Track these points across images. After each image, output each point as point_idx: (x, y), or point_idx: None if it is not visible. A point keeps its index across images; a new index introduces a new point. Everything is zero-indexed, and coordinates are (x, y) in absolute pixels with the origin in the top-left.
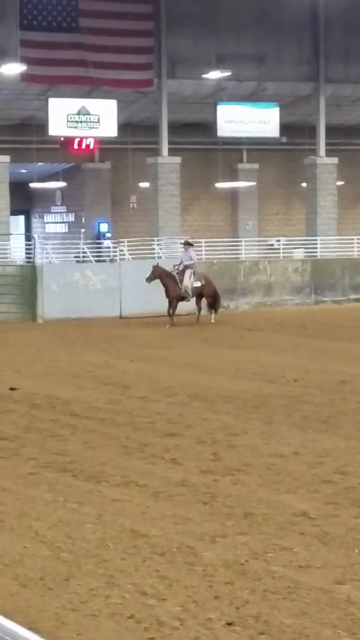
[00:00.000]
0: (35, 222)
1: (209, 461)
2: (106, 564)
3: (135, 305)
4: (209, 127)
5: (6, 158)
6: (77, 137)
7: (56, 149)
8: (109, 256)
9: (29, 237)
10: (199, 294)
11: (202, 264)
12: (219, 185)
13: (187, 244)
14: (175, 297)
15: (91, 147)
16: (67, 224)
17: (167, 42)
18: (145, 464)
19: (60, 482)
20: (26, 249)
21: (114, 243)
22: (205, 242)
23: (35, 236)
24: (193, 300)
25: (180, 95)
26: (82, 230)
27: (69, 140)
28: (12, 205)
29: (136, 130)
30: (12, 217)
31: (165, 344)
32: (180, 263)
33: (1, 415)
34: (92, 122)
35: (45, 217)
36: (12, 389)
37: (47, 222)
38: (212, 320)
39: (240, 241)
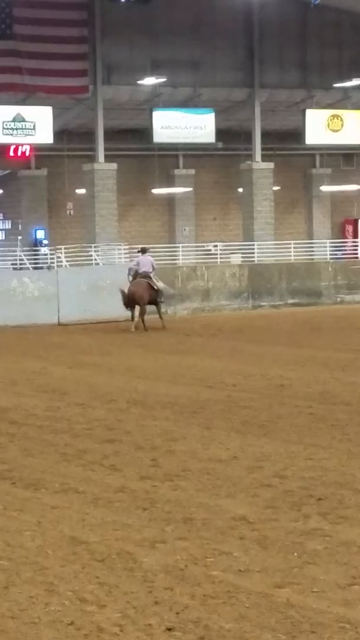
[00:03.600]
0: None
1: (148, 467)
2: (46, 571)
3: (74, 312)
4: (145, 133)
5: None
6: (12, 144)
7: None
8: (46, 263)
9: None
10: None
11: None
12: (155, 191)
13: (144, 251)
14: (145, 302)
15: (27, 154)
16: (3, 232)
17: (102, 48)
18: (85, 471)
19: None
20: None
21: (51, 250)
22: None
23: None
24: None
25: (116, 101)
26: (19, 237)
27: (4, 148)
28: None
29: (72, 137)
30: None
31: (104, 350)
32: (137, 265)
33: None
34: (28, 129)
35: None
36: None
37: None
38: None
39: (178, 247)
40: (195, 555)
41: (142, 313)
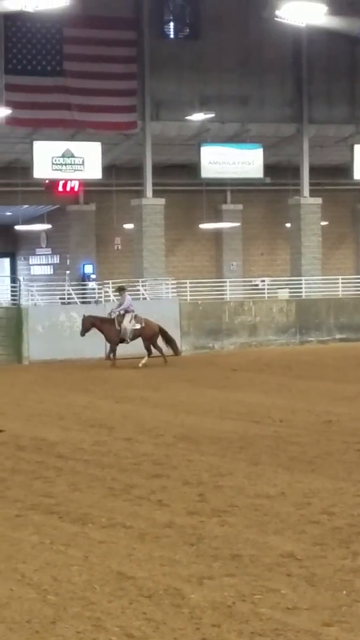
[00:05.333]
0: (21, 264)
1: (195, 502)
2: (93, 607)
3: (120, 347)
4: (193, 168)
5: None
6: (61, 180)
7: (41, 192)
8: (94, 297)
9: (14, 279)
10: (142, 336)
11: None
12: (203, 226)
13: (122, 290)
14: (114, 340)
15: (76, 189)
16: (52, 266)
17: (151, 84)
18: (132, 506)
19: (47, 524)
20: (11, 291)
21: (98, 284)
22: (190, 283)
23: (21, 278)
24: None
25: (164, 137)
26: (67, 272)
27: (53, 183)
28: None
29: (120, 172)
30: None
31: (150, 384)
32: (119, 307)
33: None
34: (77, 164)
35: (30, 259)
36: None
37: (33, 264)
38: (141, 364)
39: (225, 282)
40: (243, 592)
41: (111, 351)
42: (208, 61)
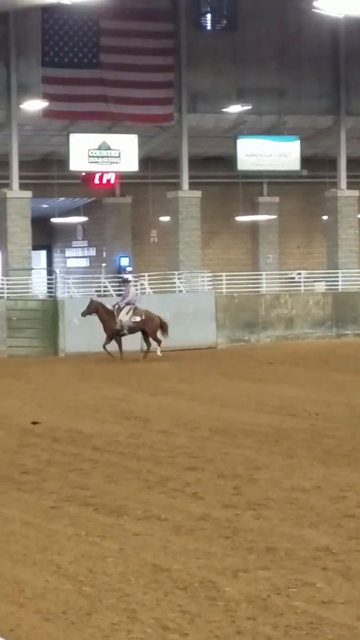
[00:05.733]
0: (57, 256)
1: (231, 495)
2: (128, 598)
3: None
4: (229, 160)
5: (28, 193)
6: (98, 172)
7: (77, 184)
8: None
9: (50, 271)
10: (142, 330)
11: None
12: (239, 218)
13: (127, 282)
14: (112, 332)
15: (112, 181)
16: (88, 259)
17: (188, 76)
18: (167, 498)
19: (82, 516)
20: (48, 283)
21: (135, 277)
22: (226, 276)
23: (57, 271)
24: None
25: (201, 129)
26: (103, 264)
27: (89, 175)
28: (34, 240)
29: (157, 165)
30: (34, 252)
31: (186, 377)
32: (123, 299)
33: (23, 449)
34: (113, 157)
35: (66, 252)
36: (34, 423)
37: (69, 257)
38: (159, 353)
39: (261, 274)
40: (278, 585)
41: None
42: (245, 53)
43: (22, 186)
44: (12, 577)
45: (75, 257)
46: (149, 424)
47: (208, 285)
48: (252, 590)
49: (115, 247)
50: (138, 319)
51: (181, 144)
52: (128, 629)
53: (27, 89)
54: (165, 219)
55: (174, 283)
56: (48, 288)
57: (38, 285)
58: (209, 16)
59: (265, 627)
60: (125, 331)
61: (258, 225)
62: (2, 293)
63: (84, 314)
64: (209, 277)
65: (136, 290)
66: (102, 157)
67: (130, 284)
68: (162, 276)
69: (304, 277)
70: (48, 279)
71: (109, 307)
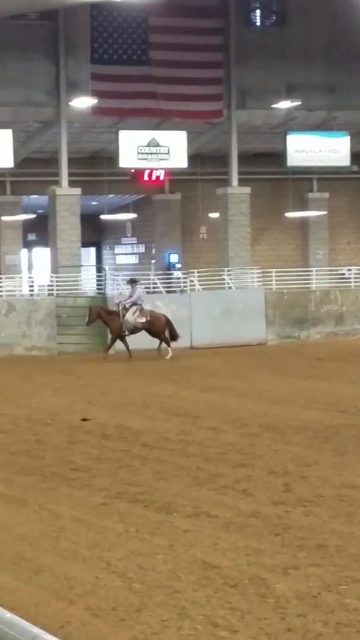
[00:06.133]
0: (106, 253)
1: (281, 492)
2: (178, 595)
3: (206, 336)
4: (279, 156)
5: (77, 190)
6: (147, 169)
7: (126, 181)
8: (179, 287)
9: (99, 268)
10: (148, 331)
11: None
12: (289, 214)
13: (134, 282)
14: (117, 332)
15: (161, 178)
16: (137, 255)
17: (237, 72)
18: (216, 495)
19: (132, 512)
20: (97, 280)
21: (184, 274)
22: (276, 272)
23: (106, 267)
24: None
25: (250, 125)
26: (153, 261)
27: (139, 172)
28: (83, 237)
29: (206, 161)
30: (83, 249)
31: (235, 374)
32: (128, 298)
33: (73, 446)
34: (162, 153)
35: (115, 249)
36: (83, 419)
37: (118, 254)
38: (168, 357)
39: (311, 271)
40: (329, 582)
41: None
42: (294, 48)
43: (72, 183)
44: (63, 573)
45: (125, 254)
46: (199, 421)
47: (257, 281)
48: (303, 588)
49: (165, 244)
50: (144, 319)
51: (230, 140)
52: (178, 626)
53: (77, 86)
54: (214, 215)
55: (224, 280)
56: (97, 285)
57: (87, 282)
58: (258, 12)
59: (316, 624)
60: (126, 332)
61: (308, 222)
62: (52, 290)
63: (87, 324)
64: (259, 273)
65: (143, 290)
66: (151, 153)
67: (136, 284)
68: (212, 273)
69: (355, 273)
70: (97, 276)
71: (111, 307)
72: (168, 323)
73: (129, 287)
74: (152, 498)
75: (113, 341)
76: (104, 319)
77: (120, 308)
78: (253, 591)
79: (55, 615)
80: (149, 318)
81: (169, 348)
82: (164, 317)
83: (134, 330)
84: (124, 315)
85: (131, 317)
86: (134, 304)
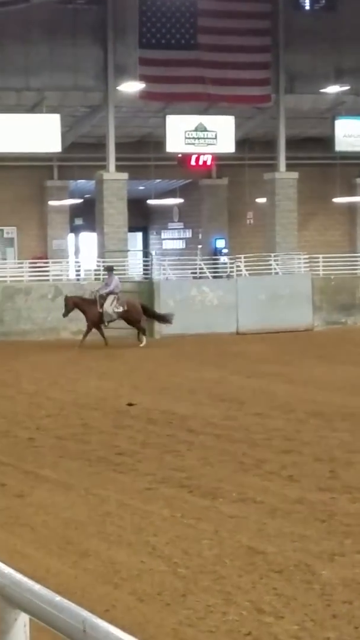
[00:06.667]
0: (153, 238)
1: (327, 479)
2: (223, 581)
3: (252, 321)
4: (327, 141)
5: (124, 175)
6: (194, 154)
7: (174, 166)
8: (226, 272)
9: (146, 253)
10: (125, 319)
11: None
12: (336, 200)
13: (110, 270)
14: (94, 322)
15: (208, 163)
16: (184, 240)
17: (285, 57)
18: (262, 481)
19: (178, 497)
20: (144, 265)
21: (230, 259)
22: (323, 258)
23: (153, 252)
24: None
25: (298, 110)
26: (199, 246)
27: (186, 157)
28: (130, 222)
29: (253, 146)
30: (130, 234)
31: (282, 360)
32: (105, 287)
33: (119, 431)
34: (210, 138)
35: (162, 234)
36: (129, 404)
37: (165, 239)
38: (141, 345)
39: (358, 256)
40: None
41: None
42: (344, 33)
43: (119, 168)
44: (108, 557)
45: (171, 238)
46: (245, 407)
47: (304, 267)
48: (349, 574)
49: (211, 229)
50: (121, 308)
51: (278, 125)
52: (223, 611)
53: (124, 71)
54: (261, 200)
55: (270, 265)
56: (144, 270)
57: (134, 267)
58: None
59: None
60: (106, 323)
61: (356, 207)
62: (99, 275)
63: (64, 315)
64: (306, 259)
65: (119, 279)
66: (198, 138)
67: (113, 272)
68: (258, 258)
69: None
70: (144, 261)
71: (88, 296)
72: (146, 310)
73: (106, 275)
74: (197, 483)
75: (89, 330)
76: (81, 308)
77: (97, 297)
78: (299, 577)
79: (100, 599)
80: (125, 307)
81: (144, 337)
82: (140, 304)
83: (113, 319)
84: (101, 305)
85: (109, 306)
86: (111, 292)
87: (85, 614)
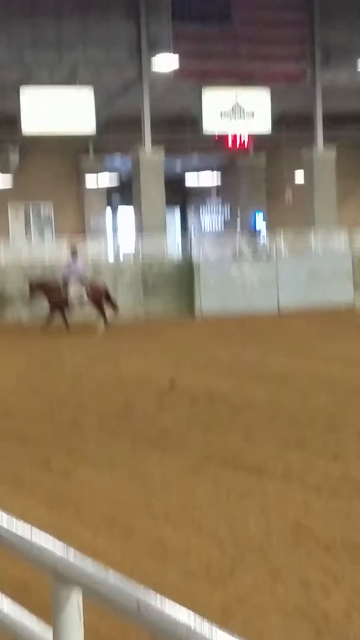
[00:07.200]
0: (191, 217)
1: None
2: (270, 557)
3: (293, 300)
4: None
5: (161, 153)
6: (231, 134)
7: (211, 144)
8: (265, 251)
9: (185, 232)
10: (89, 302)
11: None
12: None
13: (74, 252)
14: (58, 305)
15: (245, 141)
16: (222, 219)
17: (321, 31)
18: (307, 458)
19: (222, 475)
20: (182, 244)
21: (270, 238)
22: None
23: (191, 232)
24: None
25: (335, 85)
26: (238, 224)
27: (223, 138)
28: (167, 200)
29: (290, 123)
30: (168, 212)
31: (323, 338)
32: (68, 269)
33: (162, 410)
34: (246, 116)
35: (200, 212)
36: (171, 383)
37: (203, 217)
38: (98, 332)
39: None
40: None
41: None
42: None
43: (155, 145)
44: (155, 535)
45: (209, 217)
46: (287, 385)
47: (344, 244)
48: None
49: (250, 207)
50: (85, 291)
51: (315, 101)
52: (271, 588)
53: (158, 46)
54: (300, 178)
55: (310, 243)
56: (183, 249)
57: (173, 246)
58: None
59: None
60: (74, 305)
61: None
62: (137, 254)
63: (29, 300)
64: (346, 236)
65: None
66: (235, 117)
67: (77, 254)
68: (298, 236)
69: None
70: (183, 240)
71: (53, 279)
72: (107, 295)
73: (71, 258)
74: (242, 461)
75: (52, 314)
76: (45, 292)
77: (62, 281)
78: (346, 554)
79: (147, 576)
80: (89, 289)
81: (103, 322)
82: (103, 286)
83: (79, 304)
84: (67, 290)
85: (75, 291)
86: (76, 277)
87: (140, 591)
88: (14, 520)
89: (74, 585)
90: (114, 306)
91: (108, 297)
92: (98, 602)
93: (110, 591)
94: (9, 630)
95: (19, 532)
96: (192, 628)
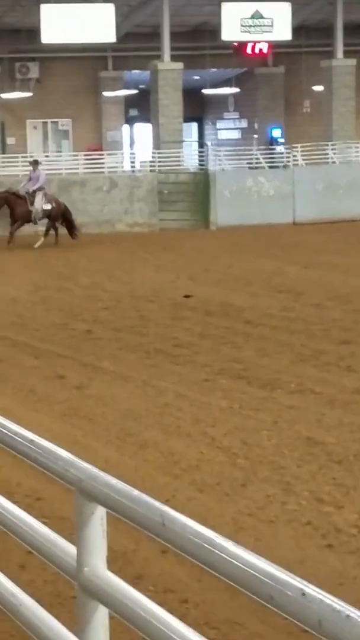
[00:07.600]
0: (208, 128)
1: None
2: (282, 471)
3: (309, 212)
4: None
5: (179, 65)
6: (250, 42)
7: (229, 55)
8: (282, 162)
9: (201, 144)
10: (49, 217)
11: None
12: None
13: (36, 164)
14: (21, 218)
15: (264, 51)
16: (239, 130)
17: None
18: (320, 372)
19: (235, 389)
20: (199, 156)
21: (287, 149)
22: None
23: (208, 143)
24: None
25: None
26: (255, 136)
27: (242, 46)
28: (185, 112)
29: (310, 33)
30: (185, 124)
31: (339, 250)
32: (29, 181)
33: (176, 323)
34: (266, 25)
35: (217, 124)
36: (186, 296)
37: (220, 129)
38: (36, 244)
39: None
40: None
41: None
42: None
43: (174, 58)
44: (167, 448)
45: (227, 128)
46: (302, 297)
47: None
48: None
49: (267, 118)
50: (49, 206)
51: (336, 10)
52: (282, 501)
53: None
54: (318, 88)
55: (327, 154)
56: (199, 161)
57: (189, 158)
58: None
59: None
60: (37, 220)
61: None
62: (154, 166)
63: None
64: None
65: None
66: (254, 26)
67: (39, 165)
68: (315, 147)
69: None
70: (199, 152)
71: (19, 192)
72: (65, 214)
73: (31, 170)
74: (255, 375)
75: (18, 227)
76: (10, 204)
77: (25, 193)
78: (358, 467)
79: (160, 489)
80: (54, 204)
81: (43, 238)
82: (63, 205)
83: (40, 217)
84: (31, 202)
85: (39, 203)
86: (39, 189)
87: (164, 508)
88: (37, 436)
89: (98, 502)
90: (72, 228)
91: (65, 216)
92: (123, 517)
93: (135, 507)
94: (30, 544)
95: (44, 447)
96: (217, 542)
